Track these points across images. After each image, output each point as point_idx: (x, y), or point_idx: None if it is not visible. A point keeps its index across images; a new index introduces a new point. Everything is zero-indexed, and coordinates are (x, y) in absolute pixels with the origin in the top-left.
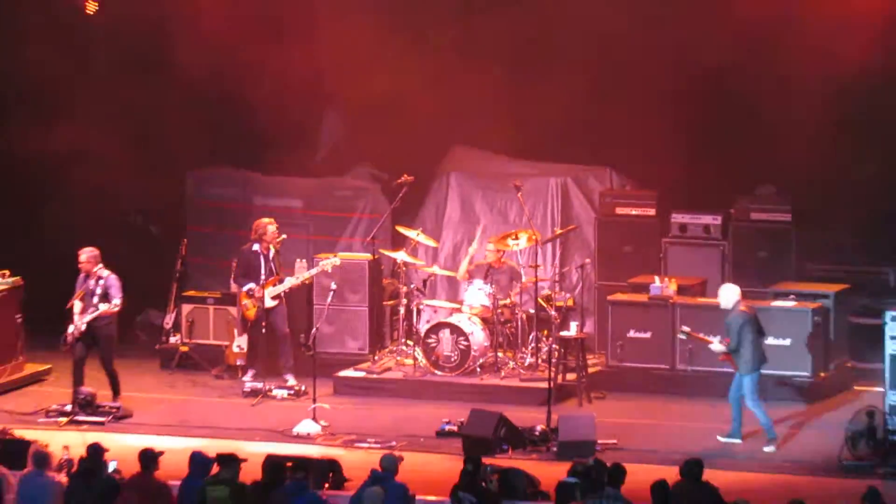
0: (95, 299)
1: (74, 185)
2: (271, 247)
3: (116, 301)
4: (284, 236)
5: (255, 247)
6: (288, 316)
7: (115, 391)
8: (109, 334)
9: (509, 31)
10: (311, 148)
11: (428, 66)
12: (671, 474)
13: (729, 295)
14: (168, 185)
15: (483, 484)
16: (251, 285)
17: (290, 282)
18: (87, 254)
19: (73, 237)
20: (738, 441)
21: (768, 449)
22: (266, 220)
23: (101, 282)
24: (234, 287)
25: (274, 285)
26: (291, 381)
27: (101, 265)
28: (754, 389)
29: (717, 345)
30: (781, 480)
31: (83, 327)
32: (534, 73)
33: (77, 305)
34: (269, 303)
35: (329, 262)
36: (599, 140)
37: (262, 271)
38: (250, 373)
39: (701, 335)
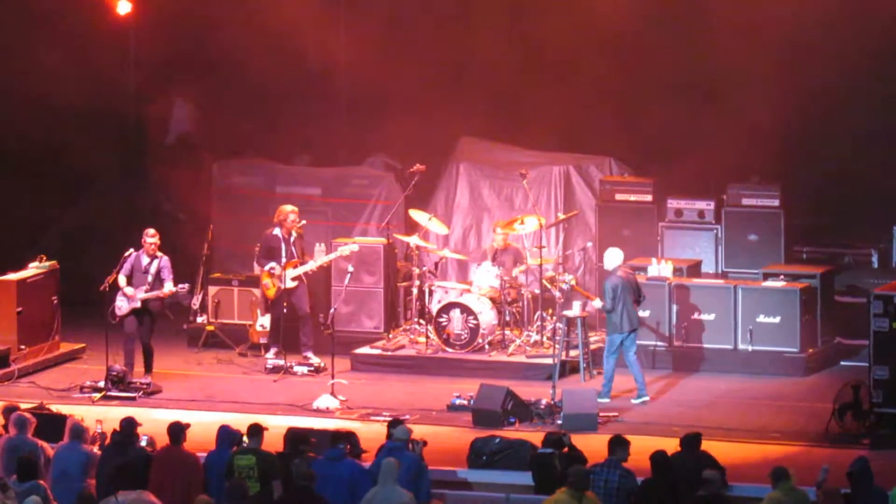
0: (150, 278)
1: (107, 173)
2: (293, 231)
3: (180, 285)
4: (304, 222)
5: (277, 231)
6: (309, 297)
7: (149, 367)
8: (160, 311)
9: (515, 28)
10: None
11: (438, 62)
12: (668, 445)
13: (612, 258)
14: (195, 174)
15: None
16: (272, 264)
17: (309, 265)
18: (156, 235)
19: (107, 223)
20: (647, 398)
21: (602, 400)
22: (288, 207)
23: (156, 262)
24: (256, 269)
25: (294, 267)
26: (312, 358)
27: None
28: (615, 349)
29: (597, 302)
30: (771, 450)
31: (138, 304)
32: (537, 69)
33: (122, 280)
34: (288, 283)
35: (347, 247)
36: (600, 131)
37: (283, 254)
38: (273, 350)
39: (584, 290)
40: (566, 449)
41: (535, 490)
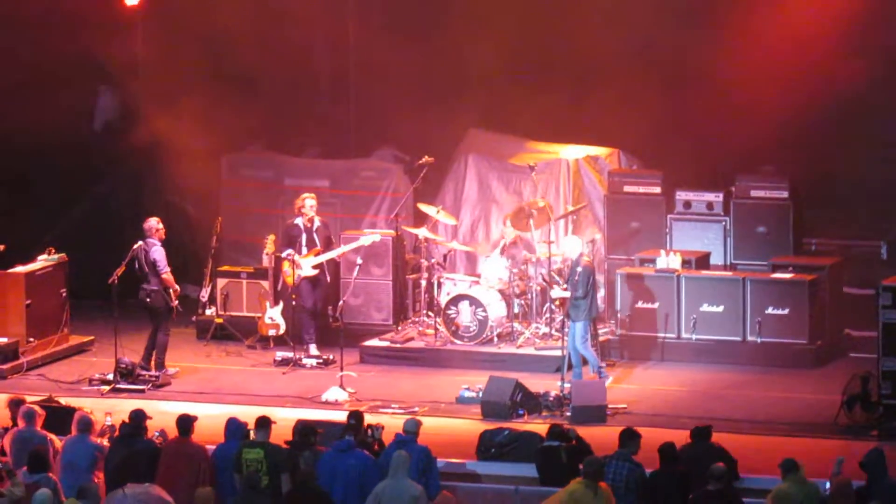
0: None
1: (117, 166)
2: (315, 219)
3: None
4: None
5: (297, 220)
6: (324, 293)
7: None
8: None
9: (523, 20)
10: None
11: (448, 54)
12: (677, 437)
13: (574, 246)
14: (204, 167)
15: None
16: (288, 251)
17: (330, 253)
18: (160, 221)
19: (117, 216)
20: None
21: (608, 381)
22: (305, 194)
23: None
24: (265, 262)
25: (315, 255)
26: (314, 350)
27: None
28: (586, 335)
29: (557, 290)
30: (780, 442)
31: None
32: (546, 60)
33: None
34: (308, 271)
35: (369, 237)
36: (609, 123)
37: (303, 243)
38: (310, 340)
39: (547, 279)
40: (574, 441)
41: (540, 482)
